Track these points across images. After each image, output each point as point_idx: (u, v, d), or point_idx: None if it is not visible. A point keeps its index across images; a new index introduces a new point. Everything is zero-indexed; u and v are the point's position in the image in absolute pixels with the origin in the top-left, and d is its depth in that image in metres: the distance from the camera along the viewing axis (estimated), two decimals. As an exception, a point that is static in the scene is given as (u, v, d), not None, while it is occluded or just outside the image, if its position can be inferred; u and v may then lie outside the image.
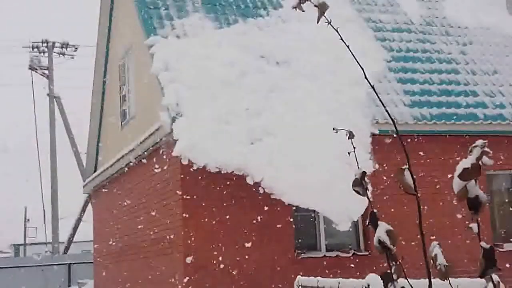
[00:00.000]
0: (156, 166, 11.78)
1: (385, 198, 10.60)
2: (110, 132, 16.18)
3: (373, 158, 10.71)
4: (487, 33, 14.71)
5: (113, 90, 15.84)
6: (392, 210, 10.18)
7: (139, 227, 13.07)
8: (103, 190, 16.39)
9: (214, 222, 10.38)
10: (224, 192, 10.48)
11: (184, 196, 10.43)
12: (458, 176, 1.27)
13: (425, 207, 10.59)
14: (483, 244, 1.29)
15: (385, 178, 10.72)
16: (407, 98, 12.26)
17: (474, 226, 1.31)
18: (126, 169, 13.80)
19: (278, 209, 10.62)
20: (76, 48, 33.62)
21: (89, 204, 21.28)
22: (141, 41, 12.58)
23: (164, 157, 11.18)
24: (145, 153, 12.30)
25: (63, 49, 33.20)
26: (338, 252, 11.01)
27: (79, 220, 28.61)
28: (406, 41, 13.72)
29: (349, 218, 10.11)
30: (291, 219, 10.83)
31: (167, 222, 11.28)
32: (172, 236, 11.00)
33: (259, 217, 10.55)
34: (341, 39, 2.05)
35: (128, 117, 14.57)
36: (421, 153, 11.32)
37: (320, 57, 11.73)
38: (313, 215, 11.20)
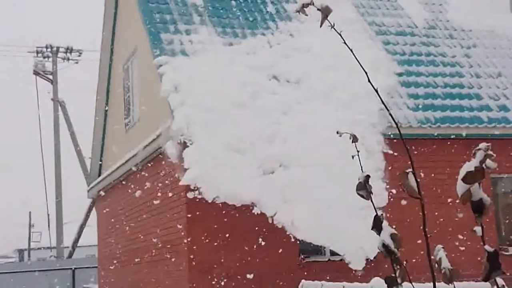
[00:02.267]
0: (161, 170, 11.79)
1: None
2: (115, 136, 16.21)
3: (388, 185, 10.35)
4: (491, 35, 14.69)
5: (118, 94, 15.87)
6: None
7: (144, 231, 13.08)
8: (108, 194, 16.40)
9: (218, 226, 10.37)
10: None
11: (188, 200, 10.42)
12: (461, 179, 1.27)
13: (435, 212, 10.57)
14: (487, 247, 1.29)
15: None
16: (411, 102, 12.25)
17: (478, 229, 1.31)
18: (131, 173, 13.81)
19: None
20: (80, 53, 33.73)
21: (94, 209, 21.30)
22: (145, 45, 12.61)
23: (169, 162, 11.18)
24: (149, 157, 12.31)
25: (67, 54, 33.29)
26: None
27: (83, 225, 28.64)
28: (410, 45, 13.71)
29: (364, 257, 9.73)
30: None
31: (171, 227, 11.27)
32: (176, 241, 10.99)
33: (263, 222, 10.53)
34: (344, 42, 2.05)
35: (133, 121, 14.59)
36: (425, 156, 11.30)
37: (332, 73, 11.42)
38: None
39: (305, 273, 9.91)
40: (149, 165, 12.52)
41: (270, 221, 9.86)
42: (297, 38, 12.40)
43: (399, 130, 2.06)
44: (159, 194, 11.94)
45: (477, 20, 14.89)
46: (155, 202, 12.24)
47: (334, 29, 1.95)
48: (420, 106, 12.17)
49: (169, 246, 11.44)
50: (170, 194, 11.35)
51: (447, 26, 14.72)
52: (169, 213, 11.44)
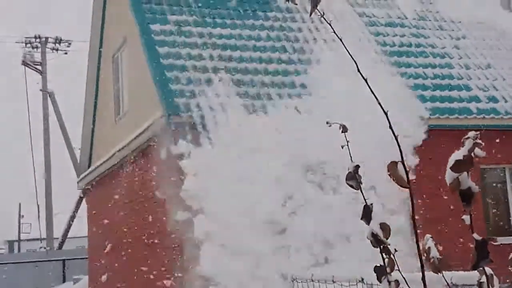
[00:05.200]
0: (150, 161, 11.76)
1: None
2: (104, 127, 16.14)
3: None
4: (481, 27, 14.74)
5: (107, 85, 15.79)
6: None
7: (134, 222, 13.06)
8: (97, 185, 16.35)
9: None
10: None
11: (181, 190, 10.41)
12: (450, 168, 1.27)
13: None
14: (475, 236, 1.30)
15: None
16: (401, 92, 12.27)
17: (466, 217, 1.32)
18: (121, 164, 13.76)
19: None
20: (69, 44, 33.51)
21: (83, 200, 21.24)
22: (134, 36, 12.55)
23: (158, 153, 11.15)
24: (139, 148, 12.28)
25: (56, 44, 33.06)
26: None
27: (73, 216, 28.56)
28: (399, 36, 13.74)
29: None
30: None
31: (161, 218, 11.26)
32: (169, 231, 10.98)
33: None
34: (334, 32, 2.05)
35: (122, 112, 14.53)
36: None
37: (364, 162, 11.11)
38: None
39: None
40: (139, 156, 12.48)
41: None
42: (324, 100, 11.31)
43: (388, 120, 2.05)
44: (151, 185, 11.92)
45: (467, 12, 14.93)
46: (145, 192, 12.22)
47: (324, 18, 1.94)
48: (411, 97, 12.20)
49: (158, 238, 11.43)
50: (162, 185, 11.32)
51: (437, 18, 14.75)
52: (158, 204, 11.42)
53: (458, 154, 1.26)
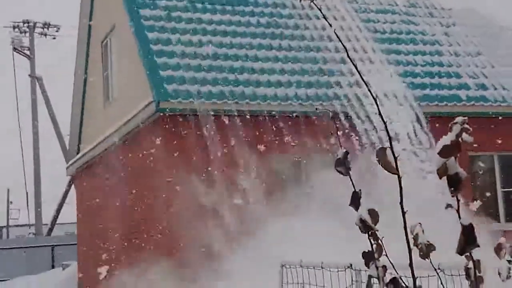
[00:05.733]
0: (142, 146, 11.73)
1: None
2: (93, 113, 16.05)
3: None
4: (471, 14, 14.76)
5: (96, 71, 15.68)
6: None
7: (124, 208, 13.04)
8: (87, 171, 16.30)
9: (200, 200, 10.38)
10: (208, 172, 10.47)
11: (169, 176, 10.40)
12: (438, 153, 1.27)
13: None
14: (462, 220, 1.30)
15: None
16: (391, 79, 12.28)
17: (454, 203, 1.32)
18: (110, 150, 13.72)
19: (265, 185, 10.66)
20: (58, 29, 33.21)
21: (73, 186, 21.17)
22: (124, 22, 12.45)
23: (148, 139, 11.13)
24: (130, 133, 12.23)
25: (45, 29, 32.76)
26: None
27: (62, 202, 28.48)
28: (390, 23, 13.73)
29: None
30: (281, 197, 10.87)
31: (152, 203, 11.26)
32: (158, 216, 10.98)
33: (241, 196, 10.56)
34: (324, 17, 2.04)
35: (112, 97, 14.45)
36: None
37: None
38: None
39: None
40: (130, 141, 12.44)
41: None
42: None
43: (377, 106, 2.05)
44: (140, 171, 11.90)
45: (457, -1, 14.93)
46: (135, 178, 12.20)
47: (315, 4, 1.93)
48: (400, 84, 12.21)
49: (149, 223, 11.43)
50: (151, 171, 11.31)
51: (427, 5, 14.74)
52: (149, 190, 11.41)
53: (445, 140, 1.25)
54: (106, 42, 14.82)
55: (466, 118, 1.27)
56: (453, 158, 1.27)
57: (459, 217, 1.31)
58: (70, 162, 17.52)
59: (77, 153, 17.11)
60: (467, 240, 1.31)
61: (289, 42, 12.43)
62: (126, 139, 12.62)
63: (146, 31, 11.62)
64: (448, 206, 1.34)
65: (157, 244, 10.98)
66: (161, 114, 10.67)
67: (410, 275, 1.85)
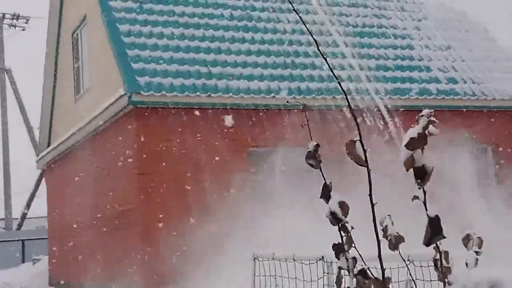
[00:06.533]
0: (114, 139, 11.63)
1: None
2: (64, 106, 15.85)
3: None
4: (441, 8, 14.92)
5: (67, 63, 15.48)
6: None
7: (96, 201, 12.92)
8: (57, 165, 16.10)
9: (171, 194, 10.34)
10: (183, 166, 10.44)
11: (141, 169, 10.35)
12: (405, 145, 1.29)
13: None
14: (429, 212, 1.32)
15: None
16: (363, 73, 12.38)
17: (420, 194, 1.33)
18: (81, 143, 13.57)
19: (236, 178, 10.67)
20: (27, 20, 32.64)
21: (43, 180, 20.91)
22: (95, 13, 12.30)
23: (119, 131, 11.04)
24: (102, 126, 12.12)
25: (14, 20, 32.18)
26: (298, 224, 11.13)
27: (32, 196, 28.10)
28: (362, 16, 13.80)
29: None
30: (249, 192, 10.88)
31: (124, 197, 11.18)
32: (129, 209, 10.92)
33: (219, 191, 10.55)
34: (294, 10, 2.04)
35: (83, 89, 14.29)
36: (376, 125, 11.49)
37: None
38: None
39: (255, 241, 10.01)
40: (102, 133, 12.32)
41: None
42: None
43: (348, 101, 2.06)
44: (111, 162, 11.80)
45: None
46: (107, 171, 12.10)
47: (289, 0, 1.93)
48: (372, 78, 12.31)
49: (121, 215, 11.35)
50: (122, 163, 11.22)
51: (399, -1, 14.85)
52: (122, 183, 11.33)
53: (412, 132, 1.27)
54: (77, 34, 14.63)
55: (432, 111, 1.29)
56: (419, 150, 1.29)
57: (426, 209, 1.33)
58: (40, 156, 17.29)
59: (48, 146, 16.90)
60: (433, 231, 1.33)
61: (262, 35, 12.42)
62: (98, 132, 12.49)
63: (118, 23, 11.51)
64: (415, 198, 1.36)
65: (129, 238, 10.92)
66: (133, 107, 10.59)
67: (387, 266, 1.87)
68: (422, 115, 1.27)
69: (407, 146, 1.27)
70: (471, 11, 15.15)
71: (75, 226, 14.66)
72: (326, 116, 11.26)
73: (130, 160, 10.84)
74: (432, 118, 1.27)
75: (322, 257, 5.21)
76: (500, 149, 12.79)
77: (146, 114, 10.62)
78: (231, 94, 11.02)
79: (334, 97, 11.38)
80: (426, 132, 1.27)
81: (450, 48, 13.82)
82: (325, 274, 5.18)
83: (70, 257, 15.06)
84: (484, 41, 14.43)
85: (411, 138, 1.27)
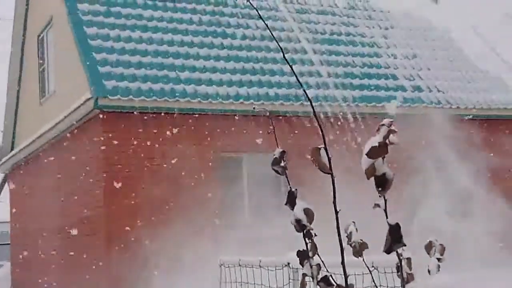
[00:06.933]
0: (79, 143, 11.48)
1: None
2: (29, 108, 15.59)
3: None
4: (408, 17, 15.15)
5: (32, 65, 15.24)
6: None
7: (60, 206, 12.73)
8: (21, 169, 15.82)
9: (137, 199, 10.25)
10: (149, 171, 10.36)
11: (107, 174, 10.24)
12: (366, 154, 1.30)
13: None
14: (389, 220, 1.33)
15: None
16: (330, 80, 12.48)
17: (381, 203, 1.35)
18: (46, 147, 13.36)
19: (203, 184, 10.64)
20: (-8, 21, 32.05)
21: (6, 184, 20.50)
22: (62, 15, 12.15)
23: (86, 135, 10.91)
24: (67, 130, 11.96)
25: (-22, 21, 31.56)
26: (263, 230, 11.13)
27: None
28: (330, 24, 13.93)
29: None
30: (216, 199, 10.86)
31: (88, 202, 11.04)
32: (94, 216, 10.78)
33: (186, 196, 10.50)
34: (260, 17, 2.05)
35: (48, 92, 14.08)
36: (338, 132, 11.59)
37: None
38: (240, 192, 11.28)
39: (225, 247, 9.98)
40: (67, 138, 12.16)
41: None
42: None
43: (312, 108, 2.07)
44: (77, 168, 11.65)
45: (395, 2, 15.29)
46: (72, 175, 11.94)
47: (250, 3, 1.94)
48: (339, 85, 12.43)
49: (86, 221, 11.20)
50: (87, 167, 11.09)
51: (367, 7, 15.04)
52: (87, 187, 11.18)
53: (373, 141, 1.28)
54: (43, 36, 14.43)
55: (392, 120, 1.31)
56: (380, 159, 1.30)
57: (386, 216, 1.34)
58: (3, 159, 16.97)
59: (11, 150, 16.59)
60: (394, 239, 1.35)
61: (232, 41, 12.43)
62: (63, 136, 12.32)
63: (84, 26, 11.39)
64: (376, 205, 1.37)
65: (93, 244, 10.78)
66: (99, 111, 10.48)
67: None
68: (383, 124, 1.29)
69: (368, 154, 1.29)
70: (437, 20, 15.42)
71: (39, 231, 14.41)
72: (294, 122, 11.31)
73: (95, 164, 10.71)
74: (393, 128, 1.28)
75: (288, 263, 5.22)
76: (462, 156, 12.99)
77: (113, 118, 10.52)
78: (199, 99, 10.99)
79: (302, 103, 11.45)
80: (387, 141, 1.28)
81: (416, 57, 14.03)
82: (290, 281, 5.19)
83: (33, 263, 14.79)
84: (449, 50, 14.70)
85: (372, 147, 1.28)
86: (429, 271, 2.06)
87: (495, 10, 16.49)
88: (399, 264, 1.84)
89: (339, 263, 1.92)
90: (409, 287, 1.39)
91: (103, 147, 10.39)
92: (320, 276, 1.97)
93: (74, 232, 11.84)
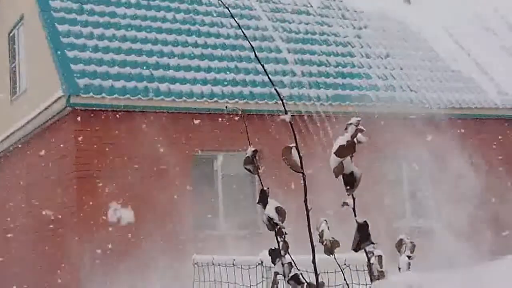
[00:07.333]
0: (51, 142, 11.34)
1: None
2: (-1, 107, 15.35)
3: None
4: (381, 17, 15.28)
5: (2, 63, 15.00)
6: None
7: (31, 206, 12.56)
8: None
9: (109, 198, 10.17)
10: (123, 170, 10.29)
11: (79, 172, 10.13)
12: (334, 153, 1.30)
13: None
14: (357, 219, 1.34)
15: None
16: (305, 79, 12.53)
17: (350, 201, 1.36)
18: (17, 146, 13.17)
19: (177, 183, 10.60)
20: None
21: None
22: (33, 12, 11.98)
23: (60, 132, 10.78)
24: (39, 128, 11.80)
25: None
26: (237, 230, 11.14)
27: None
28: (304, 23, 13.98)
29: None
30: (190, 198, 10.83)
31: (60, 202, 10.92)
32: (65, 214, 10.67)
33: (159, 195, 10.45)
34: (231, 16, 2.04)
35: (19, 91, 13.88)
36: (312, 131, 11.64)
37: None
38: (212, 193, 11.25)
39: (199, 247, 9.96)
40: (38, 136, 12.00)
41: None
42: None
43: (284, 107, 2.08)
44: (49, 167, 11.51)
45: (368, 2, 15.41)
46: (45, 175, 11.79)
47: (221, 2, 1.93)
48: (314, 84, 12.48)
49: (58, 220, 11.08)
50: (59, 166, 10.96)
51: (340, 7, 15.13)
52: (59, 187, 11.06)
53: (341, 140, 1.29)
54: (14, 34, 14.21)
55: (360, 119, 1.32)
56: (349, 157, 1.31)
57: (355, 215, 1.35)
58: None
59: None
60: (362, 237, 1.36)
61: (206, 39, 12.40)
62: (35, 135, 12.16)
63: (57, 23, 11.25)
64: (344, 204, 1.38)
65: (65, 243, 10.66)
66: (72, 109, 10.37)
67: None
68: (351, 123, 1.30)
69: (336, 153, 1.29)
70: (410, 21, 15.58)
71: (9, 231, 14.21)
72: (269, 121, 11.33)
73: (68, 163, 10.59)
74: (360, 127, 1.29)
75: (261, 262, 5.23)
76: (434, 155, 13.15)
77: (85, 116, 10.41)
78: (173, 97, 10.94)
79: (277, 102, 11.47)
80: (355, 140, 1.29)
81: (389, 57, 14.16)
82: (264, 279, 5.20)
83: (4, 263, 14.57)
84: (422, 50, 14.87)
85: (340, 146, 1.29)
86: (399, 269, 2.08)
87: (466, 11, 16.73)
88: (369, 262, 1.86)
89: (319, 261, 1.93)
90: (375, 284, 1.40)
91: (75, 146, 10.28)
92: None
93: (46, 231, 11.69)
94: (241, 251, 6.48)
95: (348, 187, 1.33)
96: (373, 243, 1.37)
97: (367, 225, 1.33)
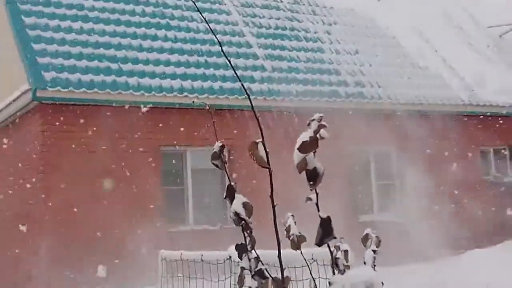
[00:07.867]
0: (17, 136, 11.15)
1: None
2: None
3: None
4: (351, 14, 15.38)
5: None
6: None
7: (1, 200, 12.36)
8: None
9: (77, 193, 10.05)
10: (89, 164, 10.17)
11: (46, 167, 9.99)
12: (297, 148, 1.31)
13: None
14: (321, 214, 1.35)
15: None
16: (275, 75, 12.54)
17: (313, 196, 1.36)
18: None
19: (146, 178, 10.53)
20: None
21: None
22: (-2, 4, 11.75)
23: (26, 127, 10.61)
24: (4, 122, 11.59)
25: None
26: (206, 225, 11.11)
27: None
28: (275, 18, 13.99)
29: None
30: (160, 192, 10.77)
31: (28, 197, 10.75)
32: (33, 209, 10.51)
33: (127, 190, 10.37)
34: (199, 11, 2.03)
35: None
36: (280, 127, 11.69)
37: None
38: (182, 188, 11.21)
39: (168, 242, 9.92)
40: (4, 131, 11.79)
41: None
42: None
43: (250, 102, 2.08)
44: (15, 162, 11.32)
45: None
46: (11, 168, 11.60)
47: (192, 1, 1.92)
48: (283, 79, 12.50)
49: (25, 215, 10.91)
50: (27, 162, 10.79)
51: (311, 2, 15.19)
52: (24, 182, 10.88)
53: (304, 136, 1.29)
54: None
55: (322, 115, 1.32)
56: (312, 153, 1.32)
57: (318, 210, 1.36)
58: None
59: None
60: (325, 232, 1.37)
61: (176, 33, 12.32)
62: (0, 129, 11.94)
63: (23, 16, 11.04)
64: (308, 199, 1.38)
65: (32, 238, 10.51)
66: (38, 103, 10.21)
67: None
68: (313, 119, 1.30)
69: (300, 149, 1.30)
70: (379, 18, 15.72)
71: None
72: (239, 116, 11.32)
73: (33, 158, 10.43)
74: (323, 122, 1.30)
75: (230, 257, 5.23)
76: (402, 151, 13.33)
77: (52, 110, 10.26)
78: (142, 91, 10.84)
79: (246, 97, 11.46)
80: (318, 135, 1.30)
81: (358, 53, 14.27)
82: (232, 274, 5.20)
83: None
84: (391, 47, 15.02)
85: (303, 142, 1.30)
86: (364, 263, 2.10)
87: (434, 9, 16.95)
88: (336, 256, 1.87)
89: (274, 255, 1.94)
90: (333, 278, 1.41)
91: (41, 140, 10.12)
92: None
93: (13, 227, 11.51)
94: (211, 246, 6.47)
95: (311, 183, 1.34)
96: (335, 237, 1.38)
97: (330, 220, 1.34)
